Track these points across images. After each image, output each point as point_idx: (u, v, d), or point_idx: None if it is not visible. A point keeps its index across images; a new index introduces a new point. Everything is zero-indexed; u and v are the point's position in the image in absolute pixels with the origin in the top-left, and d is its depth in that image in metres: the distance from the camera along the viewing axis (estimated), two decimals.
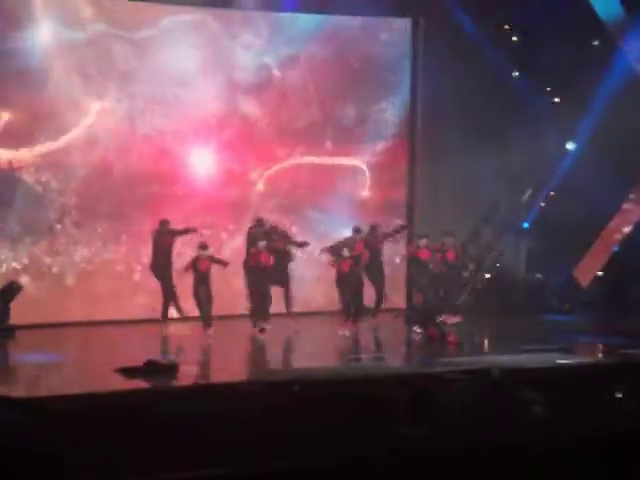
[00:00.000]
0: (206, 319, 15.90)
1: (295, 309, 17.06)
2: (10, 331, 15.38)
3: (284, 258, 16.63)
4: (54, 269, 16.94)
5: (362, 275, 16.71)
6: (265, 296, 16.12)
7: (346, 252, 16.26)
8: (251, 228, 16.91)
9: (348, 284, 16.25)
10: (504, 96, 18.65)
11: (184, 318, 16.39)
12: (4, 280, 16.16)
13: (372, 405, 9.60)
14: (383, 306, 17.42)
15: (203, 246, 15.97)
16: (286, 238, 16.89)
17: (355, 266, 16.34)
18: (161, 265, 16.19)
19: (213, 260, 16.02)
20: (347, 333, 16.06)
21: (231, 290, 16.91)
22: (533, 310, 18.39)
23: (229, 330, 16.41)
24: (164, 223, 16.32)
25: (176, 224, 16.52)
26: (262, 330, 15.84)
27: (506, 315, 17.75)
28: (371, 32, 18.88)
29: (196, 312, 16.02)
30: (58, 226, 16.96)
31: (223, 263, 16.12)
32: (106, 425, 8.77)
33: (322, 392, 10.43)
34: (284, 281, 16.71)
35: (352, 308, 16.29)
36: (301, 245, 17.14)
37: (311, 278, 18.17)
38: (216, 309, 15.99)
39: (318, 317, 17.81)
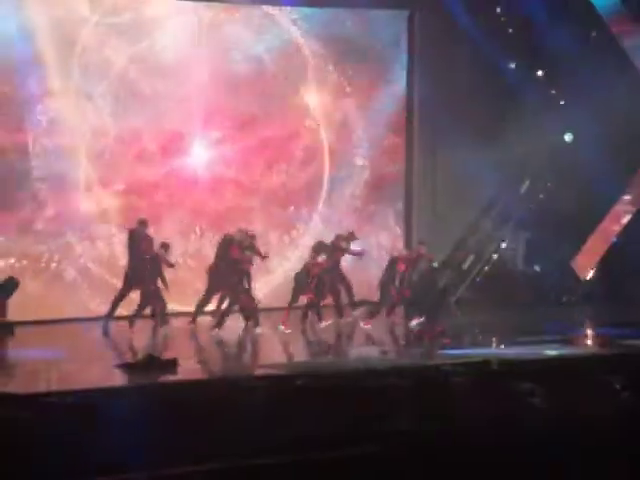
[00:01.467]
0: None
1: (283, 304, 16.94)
2: (9, 327, 15.35)
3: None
4: (52, 265, 16.89)
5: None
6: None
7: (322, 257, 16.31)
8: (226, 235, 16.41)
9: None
10: (501, 88, 18.67)
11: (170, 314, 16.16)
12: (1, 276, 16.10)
13: (374, 398, 9.63)
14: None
15: (165, 247, 15.94)
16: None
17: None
18: (135, 266, 15.90)
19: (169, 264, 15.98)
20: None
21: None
22: (532, 302, 18.39)
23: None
24: (142, 223, 16.06)
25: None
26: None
27: (505, 308, 17.75)
28: (367, 25, 18.80)
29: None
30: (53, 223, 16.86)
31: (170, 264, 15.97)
32: (108, 420, 8.78)
33: (325, 386, 10.44)
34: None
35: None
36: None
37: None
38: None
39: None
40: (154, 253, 15.86)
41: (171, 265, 15.99)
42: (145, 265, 15.79)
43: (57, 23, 16.55)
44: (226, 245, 16.09)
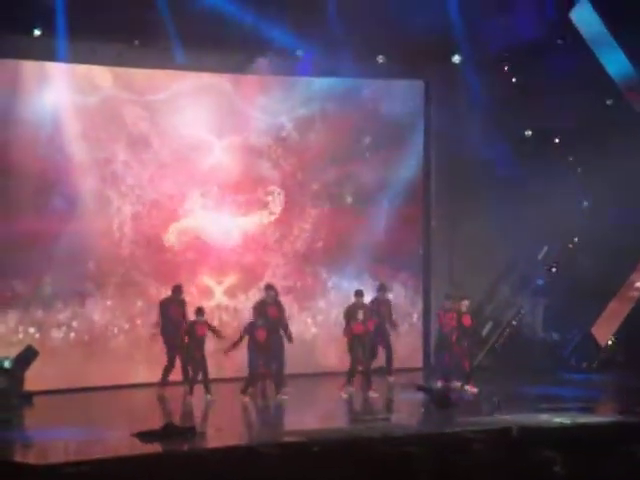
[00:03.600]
0: (192, 384, 15.75)
1: (308, 370, 17.09)
2: (27, 397, 15.32)
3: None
4: (71, 334, 16.92)
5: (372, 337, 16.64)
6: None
7: (360, 315, 16.24)
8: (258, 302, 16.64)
9: (360, 346, 16.19)
10: (518, 155, 18.77)
11: (179, 382, 16.17)
12: (21, 345, 16.12)
13: (393, 466, 9.55)
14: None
15: (200, 312, 16.01)
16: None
17: (368, 330, 16.32)
18: (169, 332, 16.18)
19: (210, 328, 16.04)
20: (344, 395, 15.95)
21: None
22: (551, 369, 18.27)
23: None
24: (177, 290, 16.39)
25: (189, 289, 16.75)
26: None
27: (524, 374, 17.63)
28: (384, 94, 18.99)
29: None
30: (74, 291, 16.96)
31: (218, 333, 16.06)
32: None
33: (341, 453, 10.37)
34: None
35: (356, 371, 16.18)
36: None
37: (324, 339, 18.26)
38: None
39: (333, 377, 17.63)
40: (189, 319, 15.94)
41: (220, 335, 16.01)
42: (180, 331, 15.97)
43: (90, 101, 17.03)
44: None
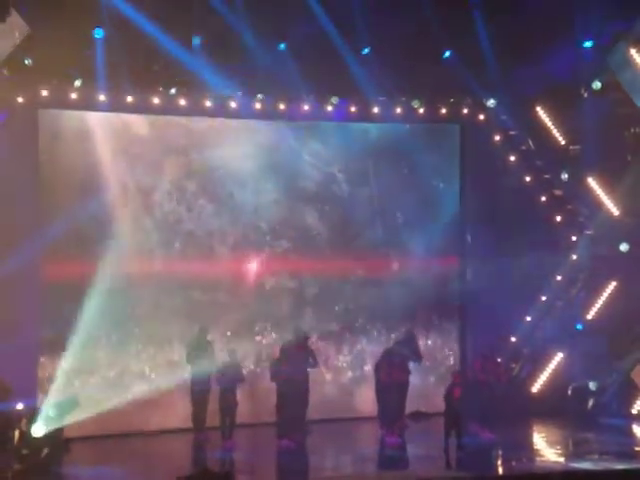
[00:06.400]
0: (229, 429, 15.72)
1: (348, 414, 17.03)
2: (64, 444, 15.31)
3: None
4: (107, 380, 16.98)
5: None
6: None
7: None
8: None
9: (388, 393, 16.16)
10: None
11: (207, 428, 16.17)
12: (62, 393, 16.15)
13: None
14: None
15: (231, 352, 15.99)
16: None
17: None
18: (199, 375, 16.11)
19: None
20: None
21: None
22: (592, 414, 18.06)
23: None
24: (203, 332, 16.40)
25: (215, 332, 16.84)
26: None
27: (564, 419, 17.45)
28: (421, 139, 18.93)
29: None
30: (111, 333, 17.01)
31: (242, 378, 16.06)
32: None
33: None
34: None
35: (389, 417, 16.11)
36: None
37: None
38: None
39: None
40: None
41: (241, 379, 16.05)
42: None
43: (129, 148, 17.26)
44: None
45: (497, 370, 17.03)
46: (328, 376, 18.17)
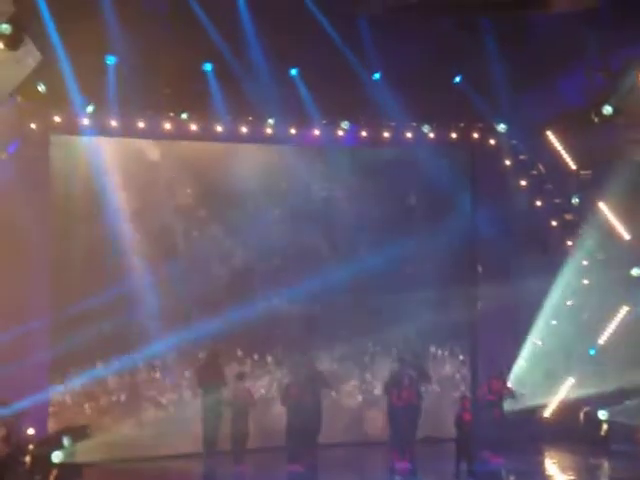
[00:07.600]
0: (240, 454, 15.71)
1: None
2: (77, 470, 15.31)
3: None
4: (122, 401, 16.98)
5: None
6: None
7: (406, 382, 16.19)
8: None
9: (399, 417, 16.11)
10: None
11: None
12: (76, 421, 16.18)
13: None
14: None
15: (241, 376, 15.98)
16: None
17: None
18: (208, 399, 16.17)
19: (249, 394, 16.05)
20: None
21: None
22: (606, 440, 17.97)
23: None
24: (214, 356, 16.40)
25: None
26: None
27: (576, 446, 17.34)
28: (430, 162, 18.95)
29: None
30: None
31: (253, 402, 16.04)
32: None
33: None
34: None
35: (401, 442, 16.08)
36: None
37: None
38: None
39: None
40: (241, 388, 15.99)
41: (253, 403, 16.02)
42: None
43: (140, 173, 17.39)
44: None
45: (501, 388, 17.00)
46: (338, 400, 18.14)
